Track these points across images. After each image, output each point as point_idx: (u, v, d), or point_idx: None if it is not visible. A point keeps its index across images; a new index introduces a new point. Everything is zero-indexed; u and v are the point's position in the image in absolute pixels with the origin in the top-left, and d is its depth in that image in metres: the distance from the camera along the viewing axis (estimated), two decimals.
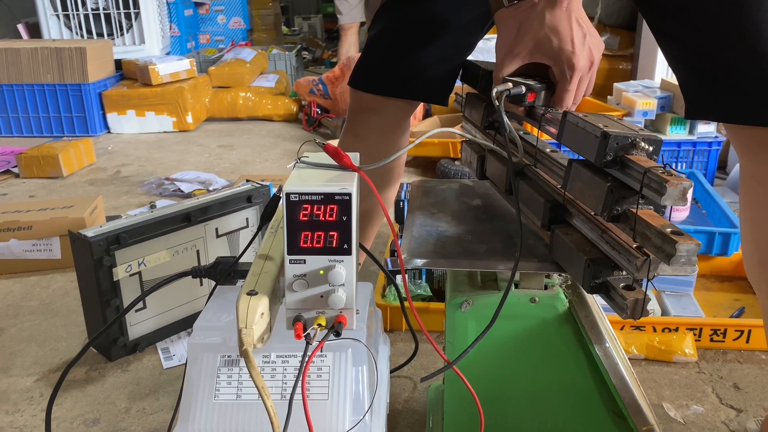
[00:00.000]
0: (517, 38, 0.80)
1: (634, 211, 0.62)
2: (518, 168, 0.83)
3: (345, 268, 0.63)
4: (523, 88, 0.77)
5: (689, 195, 0.57)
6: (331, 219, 0.62)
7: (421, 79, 1.07)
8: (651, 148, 0.62)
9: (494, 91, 0.76)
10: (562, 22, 0.77)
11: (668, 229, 0.57)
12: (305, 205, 0.61)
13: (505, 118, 0.75)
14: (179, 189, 2.31)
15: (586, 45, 0.77)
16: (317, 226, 0.62)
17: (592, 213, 0.69)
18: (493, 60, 0.87)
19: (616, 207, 0.63)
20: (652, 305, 1.42)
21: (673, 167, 0.60)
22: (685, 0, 0.80)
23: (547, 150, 0.79)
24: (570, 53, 0.77)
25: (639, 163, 0.61)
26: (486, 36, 1.08)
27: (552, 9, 0.78)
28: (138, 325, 1.31)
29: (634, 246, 0.62)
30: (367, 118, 1.13)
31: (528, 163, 0.82)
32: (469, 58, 1.08)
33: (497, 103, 0.75)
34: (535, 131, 0.85)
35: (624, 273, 0.66)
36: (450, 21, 1.04)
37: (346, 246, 0.63)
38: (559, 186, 0.75)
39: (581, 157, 0.70)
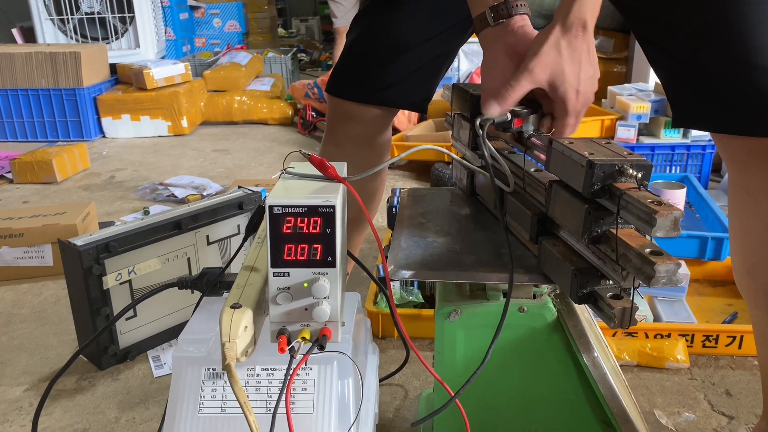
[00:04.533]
0: (536, 59, 0.76)
1: (614, 231, 0.61)
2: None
3: (329, 281, 0.62)
4: (509, 116, 0.75)
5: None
6: (314, 231, 0.62)
7: (399, 86, 1.05)
8: (640, 174, 0.61)
9: (477, 121, 0.74)
10: (576, 54, 0.74)
11: (647, 250, 0.57)
12: (288, 218, 0.61)
13: (487, 151, 0.74)
14: (173, 194, 2.30)
15: (589, 84, 0.75)
16: (301, 238, 0.61)
17: None
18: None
19: (596, 229, 0.63)
20: (644, 311, 1.41)
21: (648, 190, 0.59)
22: (669, 8, 0.79)
23: (532, 170, 0.79)
24: (573, 91, 0.75)
25: (629, 192, 0.59)
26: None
27: (569, 38, 0.74)
28: (128, 333, 1.30)
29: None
30: (345, 126, 1.12)
31: (515, 181, 0.82)
32: (464, 59, 1.07)
33: (480, 133, 0.74)
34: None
35: (611, 282, 0.66)
36: (428, 27, 1.02)
37: (330, 258, 0.62)
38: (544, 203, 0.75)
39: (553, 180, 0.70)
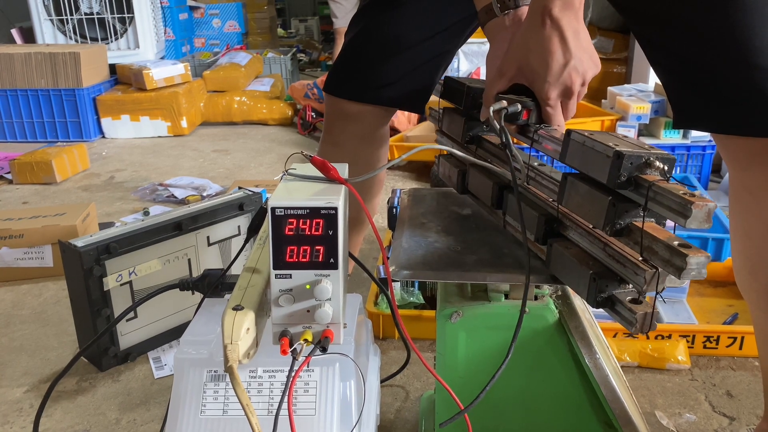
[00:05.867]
0: (504, 57, 0.77)
1: (638, 224, 0.60)
2: (506, 182, 0.82)
3: (331, 283, 0.62)
4: (519, 106, 0.74)
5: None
6: (317, 233, 0.61)
7: (397, 85, 1.05)
8: (665, 167, 0.60)
9: (491, 109, 0.73)
10: (543, 43, 0.73)
11: (675, 242, 0.56)
12: (291, 219, 0.61)
13: (510, 138, 0.72)
14: (173, 195, 2.30)
15: (566, 72, 0.73)
16: (303, 240, 0.61)
17: (591, 226, 0.68)
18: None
19: (619, 221, 0.62)
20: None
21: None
22: (669, 8, 0.79)
23: (536, 164, 0.79)
24: (543, 82, 0.73)
25: (659, 184, 0.58)
26: (480, 40, 1.07)
27: (535, 29, 0.73)
28: (129, 334, 1.30)
29: (640, 259, 0.61)
30: (343, 125, 1.11)
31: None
32: (464, 59, 1.07)
33: (498, 125, 0.72)
34: (519, 143, 0.84)
35: (630, 286, 0.65)
36: (427, 27, 1.02)
37: (332, 260, 0.62)
38: (551, 200, 0.75)
39: (574, 171, 0.69)
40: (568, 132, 0.69)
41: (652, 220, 0.62)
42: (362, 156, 1.14)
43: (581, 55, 0.74)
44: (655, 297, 0.61)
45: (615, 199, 0.62)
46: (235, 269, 0.80)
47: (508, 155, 0.73)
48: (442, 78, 0.97)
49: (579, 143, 0.67)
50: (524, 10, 0.79)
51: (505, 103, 0.74)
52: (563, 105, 0.77)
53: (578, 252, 0.69)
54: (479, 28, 1.10)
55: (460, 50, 3.22)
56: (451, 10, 1.03)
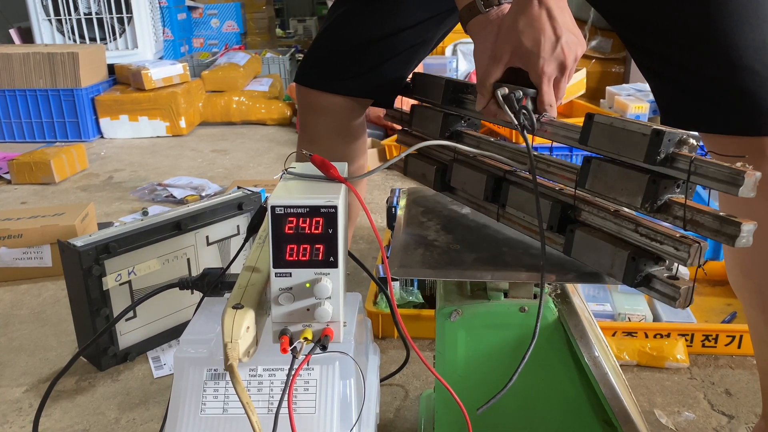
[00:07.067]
0: (496, 43, 0.78)
1: (677, 200, 0.62)
2: (498, 175, 0.82)
3: (331, 281, 0.62)
4: (521, 92, 0.74)
5: None
6: (317, 232, 0.62)
7: (367, 76, 1.03)
8: (698, 144, 0.62)
9: (499, 94, 0.74)
10: (534, 23, 0.74)
11: (722, 214, 0.58)
12: (290, 218, 0.61)
13: (534, 117, 0.74)
14: (171, 195, 2.30)
15: (558, 48, 0.74)
16: (303, 238, 0.61)
17: (613, 209, 0.68)
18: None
19: (659, 197, 0.63)
20: (644, 311, 1.42)
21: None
22: (654, 13, 0.79)
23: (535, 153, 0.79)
24: (538, 59, 0.74)
25: (700, 158, 0.60)
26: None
27: (524, 10, 0.75)
28: (128, 334, 1.30)
29: (678, 235, 0.62)
30: (315, 119, 1.09)
31: (509, 169, 0.81)
32: (462, 59, 1.06)
33: (512, 108, 0.73)
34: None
35: (666, 263, 0.66)
36: (402, 20, 1.01)
37: (332, 259, 0.62)
38: (558, 187, 0.75)
39: (592, 155, 0.69)
40: (590, 116, 0.70)
41: (683, 196, 0.63)
42: (338, 152, 1.12)
43: (571, 29, 0.75)
44: (696, 270, 0.62)
45: (654, 176, 0.63)
46: (235, 268, 0.80)
47: (525, 138, 0.73)
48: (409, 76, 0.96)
49: (606, 125, 0.68)
50: (506, 7, 0.79)
51: (507, 90, 0.74)
52: (555, 83, 0.76)
53: (604, 235, 0.69)
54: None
55: (459, 50, 3.23)
56: (423, 6, 1.01)
